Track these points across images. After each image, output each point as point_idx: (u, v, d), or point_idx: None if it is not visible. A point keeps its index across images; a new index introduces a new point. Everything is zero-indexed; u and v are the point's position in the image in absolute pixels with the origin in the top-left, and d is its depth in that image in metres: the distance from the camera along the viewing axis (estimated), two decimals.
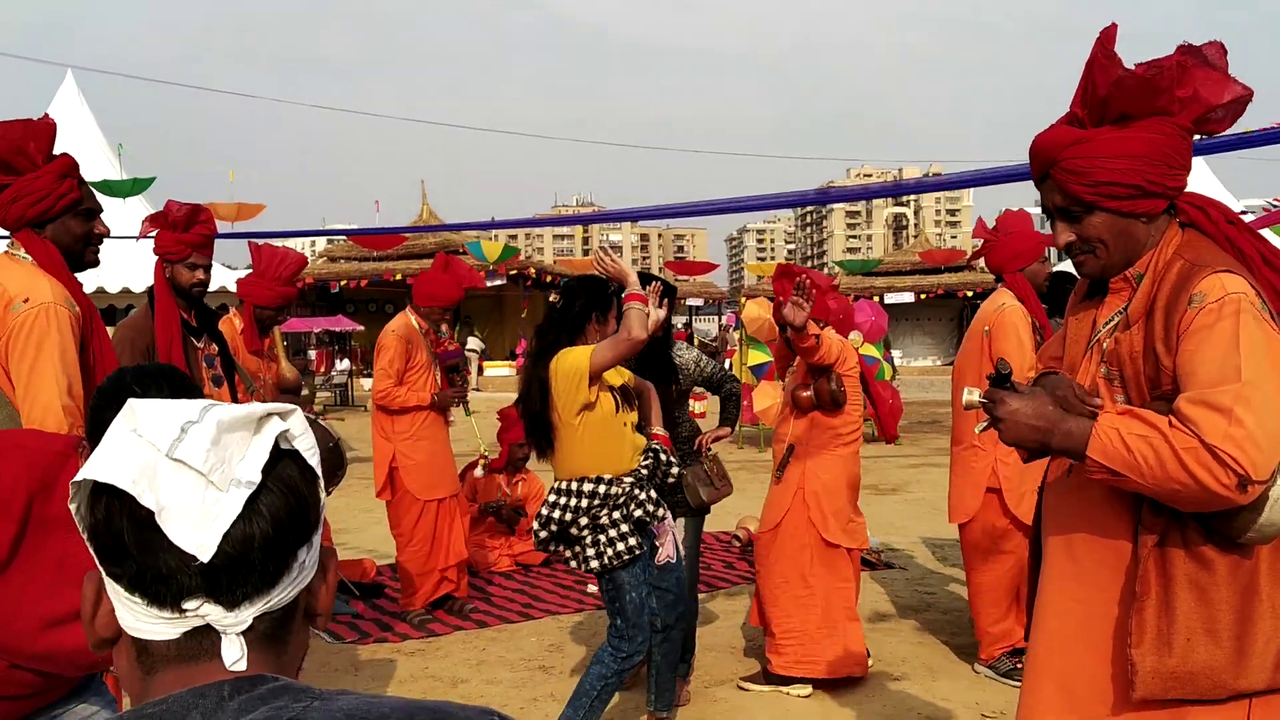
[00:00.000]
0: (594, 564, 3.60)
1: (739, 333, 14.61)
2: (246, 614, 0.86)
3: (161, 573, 0.82)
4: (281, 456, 0.87)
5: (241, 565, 0.83)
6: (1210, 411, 1.75)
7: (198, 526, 0.81)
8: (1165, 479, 1.77)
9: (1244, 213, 12.05)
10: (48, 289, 2.71)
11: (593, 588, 5.97)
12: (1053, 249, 3.09)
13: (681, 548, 4.09)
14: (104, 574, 0.86)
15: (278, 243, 5.70)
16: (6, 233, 2.90)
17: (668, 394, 4.63)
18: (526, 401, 3.72)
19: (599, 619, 5.36)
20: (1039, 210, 2.22)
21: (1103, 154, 1.91)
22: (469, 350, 24.28)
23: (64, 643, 1.83)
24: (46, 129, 2.84)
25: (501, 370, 25.46)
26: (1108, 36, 1.93)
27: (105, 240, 3.07)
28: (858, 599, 4.70)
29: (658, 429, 3.98)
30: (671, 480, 3.89)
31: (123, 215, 11.15)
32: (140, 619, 0.85)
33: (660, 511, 3.77)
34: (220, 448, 0.83)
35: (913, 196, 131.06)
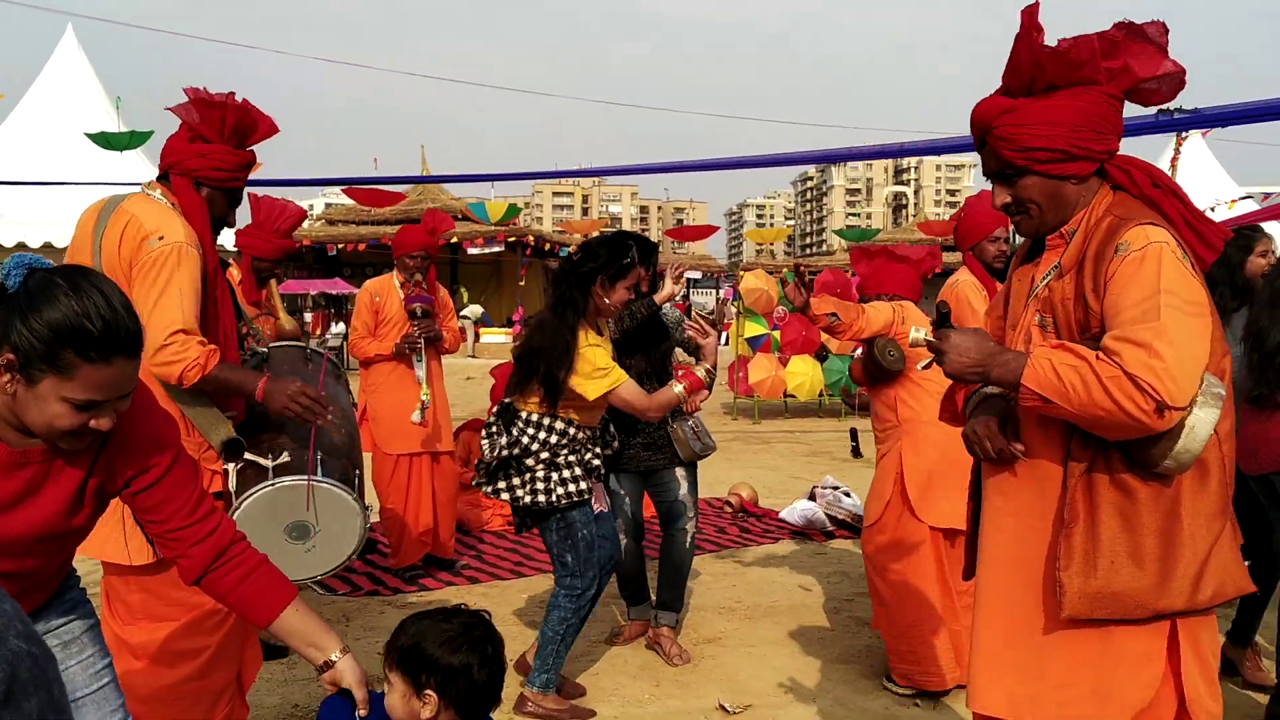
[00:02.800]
0: (541, 499, 3.74)
1: (737, 305, 14.61)
2: None
3: None
4: None
5: None
6: (1132, 346, 1.90)
7: None
8: (1090, 404, 1.91)
9: (1245, 197, 12.04)
10: (181, 229, 2.84)
11: None
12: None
13: (620, 500, 4.42)
14: None
15: (275, 193, 5.67)
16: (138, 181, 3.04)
17: (663, 354, 4.65)
18: (550, 356, 3.70)
19: None
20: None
21: (1029, 121, 2.07)
22: (463, 316, 24.24)
23: (7, 531, 1.87)
24: (267, 127, 3.07)
25: (498, 338, 25.45)
26: (1032, 14, 2.06)
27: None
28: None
29: None
30: (612, 450, 4.16)
31: (121, 168, 11.13)
32: None
33: (602, 469, 3.98)
34: None
35: (913, 176, 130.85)
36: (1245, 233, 4.45)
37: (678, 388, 3.80)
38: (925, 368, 2.22)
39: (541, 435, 3.77)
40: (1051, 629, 2.10)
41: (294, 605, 2.06)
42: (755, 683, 4.21)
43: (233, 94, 3.00)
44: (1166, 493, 2.00)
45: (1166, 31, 2.03)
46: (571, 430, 3.80)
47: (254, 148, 3.13)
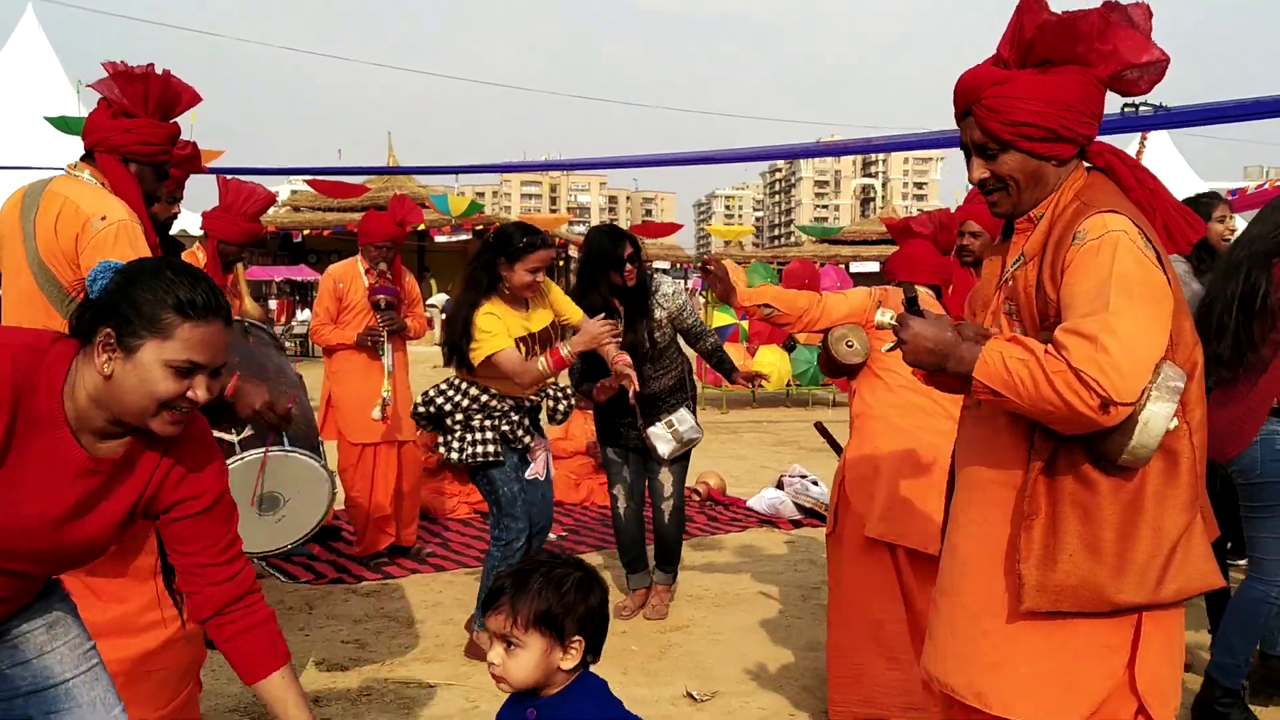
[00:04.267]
0: (454, 455, 4.13)
1: (705, 295, 14.62)
2: None
3: None
4: None
5: None
6: (1079, 339, 1.84)
7: None
8: (1038, 399, 1.87)
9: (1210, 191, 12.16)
10: (119, 207, 2.81)
11: (552, 536, 5.99)
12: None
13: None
14: None
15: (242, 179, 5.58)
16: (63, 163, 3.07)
17: (640, 344, 4.63)
18: (455, 327, 4.08)
19: None
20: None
21: (1022, 95, 1.99)
22: (429, 305, 24.08)
23: (60, 540, 1.85)
24: (190, 98, 3.04)
25: None
26: None
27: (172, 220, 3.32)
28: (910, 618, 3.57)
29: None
30: (560, 418, 4.40)
31: (79, 153, 10.95)
32: None
33: (528, 439, 4.21)
34: None
35: (881, 169, 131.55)
36: (1202, 200, 4.52)
37: (541, 363, 3.99)
38: (888, 350, 2.18)
39: (456, 398, 4.15)
40: (1015, 620, 2.06)
41: (284, 672, 2.05)
42: (722, 670, 4.22)
43: (152, 65, 2.97)
44: (1129, 485, 1.95)
45: (1150, 15, 1.97)
46: (484, 397, 4.13)
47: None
